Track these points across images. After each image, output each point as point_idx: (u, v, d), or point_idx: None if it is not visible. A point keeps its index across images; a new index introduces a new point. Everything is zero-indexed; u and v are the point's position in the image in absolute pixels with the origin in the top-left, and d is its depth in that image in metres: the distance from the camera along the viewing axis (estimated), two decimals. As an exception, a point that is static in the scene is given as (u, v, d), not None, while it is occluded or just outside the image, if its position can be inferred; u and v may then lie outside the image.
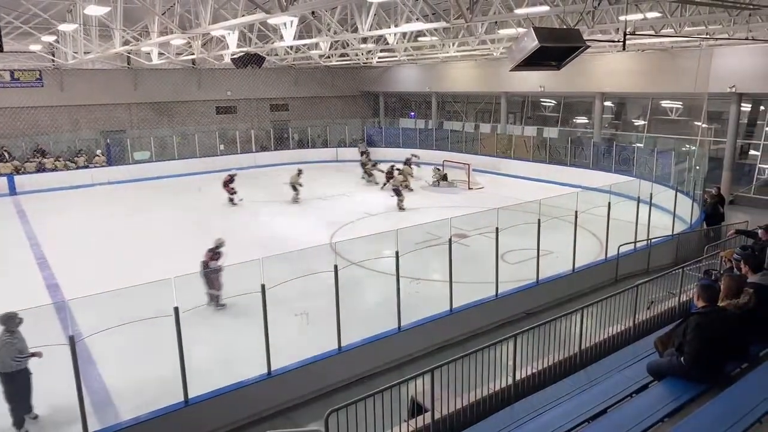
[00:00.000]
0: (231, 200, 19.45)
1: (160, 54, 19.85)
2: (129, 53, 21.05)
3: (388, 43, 18.76)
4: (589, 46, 8.31)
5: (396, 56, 24.13)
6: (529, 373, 6.28)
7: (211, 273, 10.08)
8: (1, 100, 24.08)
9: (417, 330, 8.82)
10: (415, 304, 9.56)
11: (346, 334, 7.93)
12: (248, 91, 30.69)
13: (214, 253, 10.57)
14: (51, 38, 19.78)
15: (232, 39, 15.83)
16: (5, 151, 24.18)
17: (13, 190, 22.60)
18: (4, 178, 22.75)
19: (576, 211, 10.96)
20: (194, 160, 26.91)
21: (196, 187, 22.28)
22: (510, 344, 6.09)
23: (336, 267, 7.69)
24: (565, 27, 12.08)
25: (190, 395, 6.70)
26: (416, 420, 5.61)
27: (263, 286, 6.97)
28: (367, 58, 25.06)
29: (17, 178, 22.98)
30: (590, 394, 5.27)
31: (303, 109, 33.24)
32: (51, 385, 7.31)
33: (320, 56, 23.58)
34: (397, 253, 8.32)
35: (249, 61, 19.27)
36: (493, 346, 6.03)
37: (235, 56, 19.09)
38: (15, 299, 10.39)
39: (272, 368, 7.31)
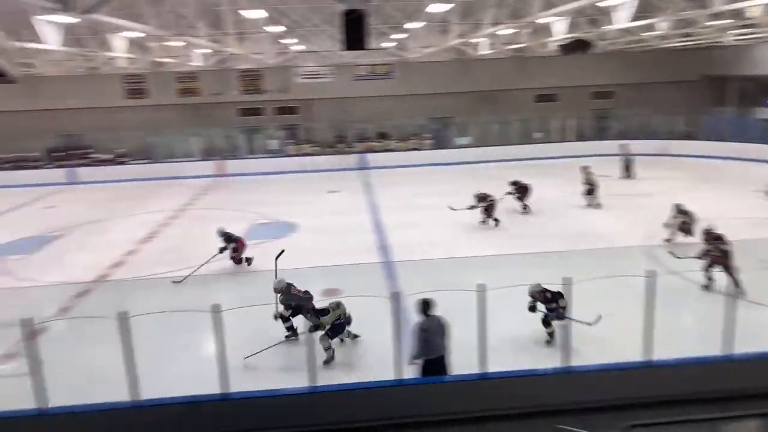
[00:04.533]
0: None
1: (489, 44, 20.84)
2: (461, 45, 22.73)
3: (747, 18, 15.70)
4: None
5: (758, 32, 20.03)
6: None
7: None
8: (357, 91, 29.04)
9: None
10: (755, 332, 7.86)
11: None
12: (570, 78, 29.74)
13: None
14: (401, 35, 22.74)
15: (561, 25, 15.55)
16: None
17: (365, 165, 27.25)
18: (359, 156, 27.52)
19: None
20: (511, 147, 27.72)
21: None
22: None
23: (654, 273, 6.86)
24: None
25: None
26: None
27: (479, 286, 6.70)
28: (716, 37, 21.50)
29: (370, 156, 27.59)
30: None
31: (629, 96, 30.58)
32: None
33: (658, 37, 21.25)
34: None
35: (576, 47, 18.73)
36: None
37: (562, 43, 18.76)
38: (351, 257, 12.80)
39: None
